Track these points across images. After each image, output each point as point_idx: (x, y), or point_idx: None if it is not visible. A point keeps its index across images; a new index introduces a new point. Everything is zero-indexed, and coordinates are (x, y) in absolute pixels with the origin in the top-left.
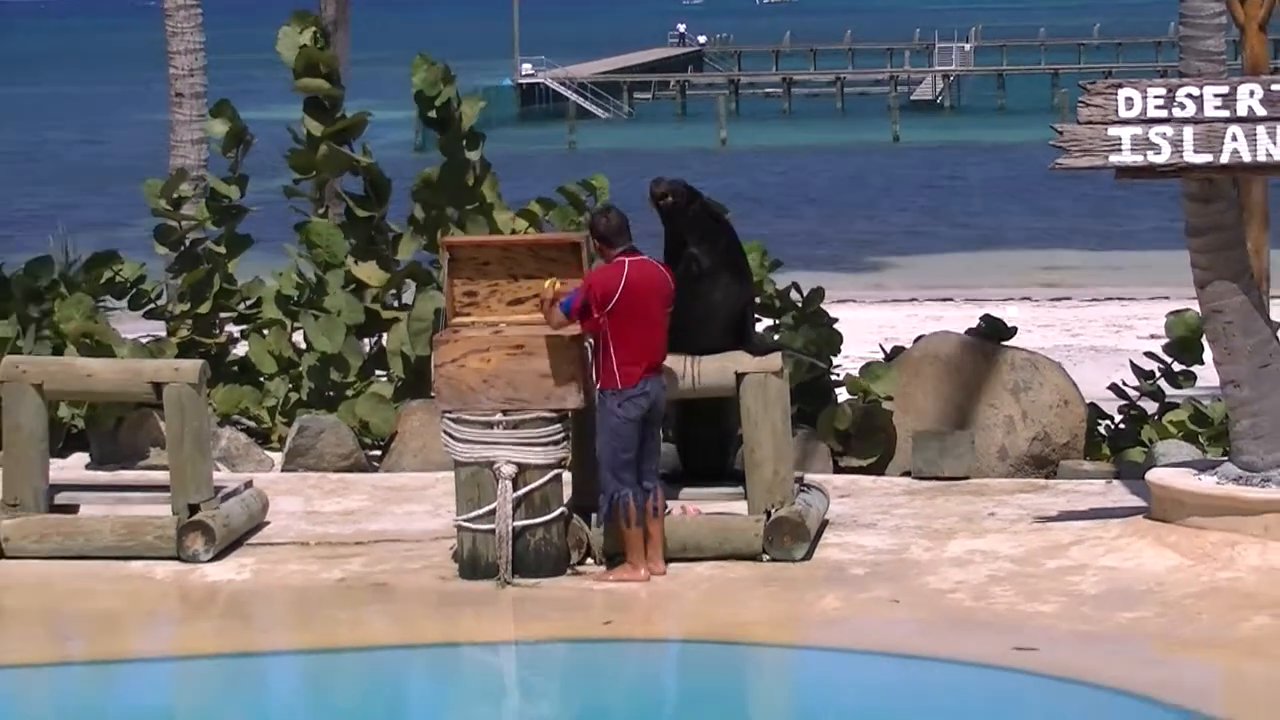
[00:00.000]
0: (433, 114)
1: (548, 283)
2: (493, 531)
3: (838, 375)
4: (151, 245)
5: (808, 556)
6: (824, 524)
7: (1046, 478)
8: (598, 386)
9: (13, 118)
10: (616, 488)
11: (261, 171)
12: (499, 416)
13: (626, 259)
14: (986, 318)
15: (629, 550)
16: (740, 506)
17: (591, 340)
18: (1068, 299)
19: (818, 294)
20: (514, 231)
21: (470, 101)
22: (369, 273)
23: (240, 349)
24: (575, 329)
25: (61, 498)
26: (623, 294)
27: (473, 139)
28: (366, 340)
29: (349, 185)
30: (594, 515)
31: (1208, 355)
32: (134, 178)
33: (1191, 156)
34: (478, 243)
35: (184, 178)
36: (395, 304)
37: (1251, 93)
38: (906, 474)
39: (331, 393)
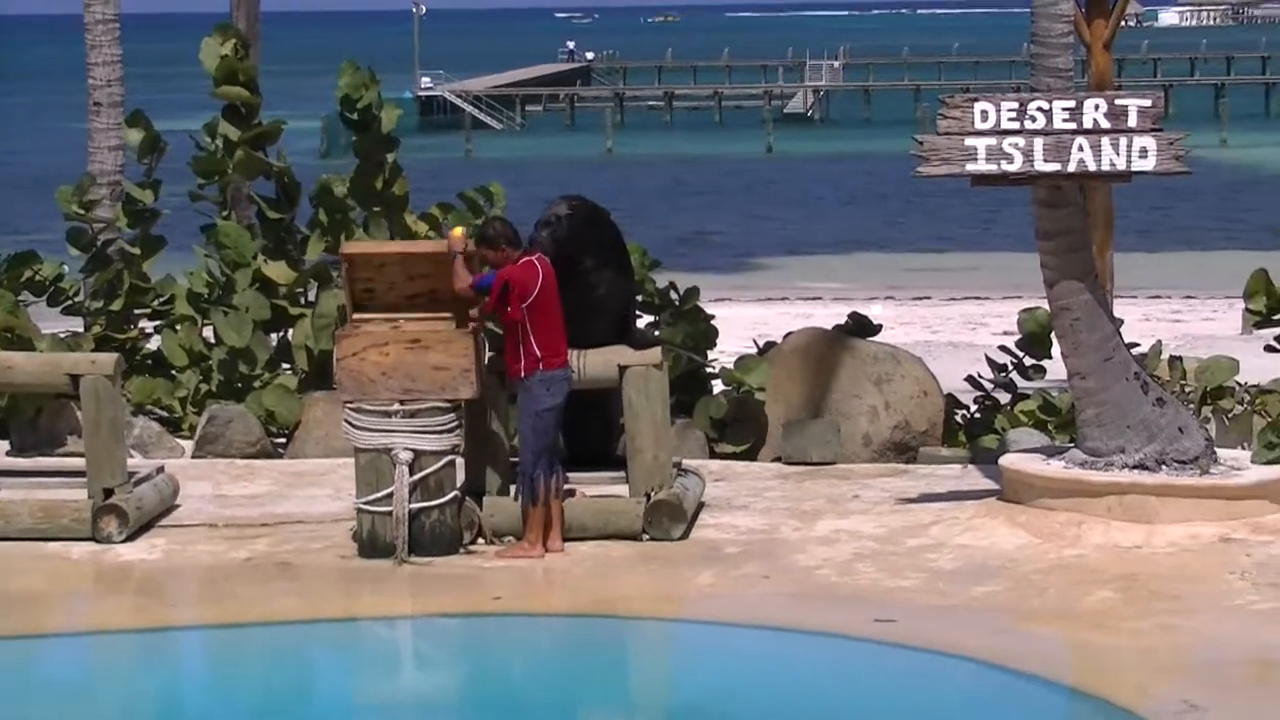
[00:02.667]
0: (354, 116)
1: (458, 230)
2: (390, 513)
3: (713, 368)
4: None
5: (685, 536)
6: (700, 506)
7: (907, 463)
8: (521, 374)
9: None
10: (537, 468)
11: (171, 177)
12: (396, 406)
13: (534, 258)
14: (853, 315)
15: (530, 528)
16: (622, 490)
17: (495, 331)
18: (928, 298)
19: (693, 292)
20: (416, 234)
21: (389, 108)
22: (279, 272)
23: (153, 343)
24: (470, 306)
25: None
26: (541, 289)
27: (389, 143)
28: (273, 335)
29: (259, 188)
30: (483, 498)
31: (1056, 350)
32: (54, 183)
33: (1041, 165)
34: (374, 252)
35: (93, 181)
36: (302, 301)
37: (1096, 106)
38: (777, 459)
39: (239, 384)
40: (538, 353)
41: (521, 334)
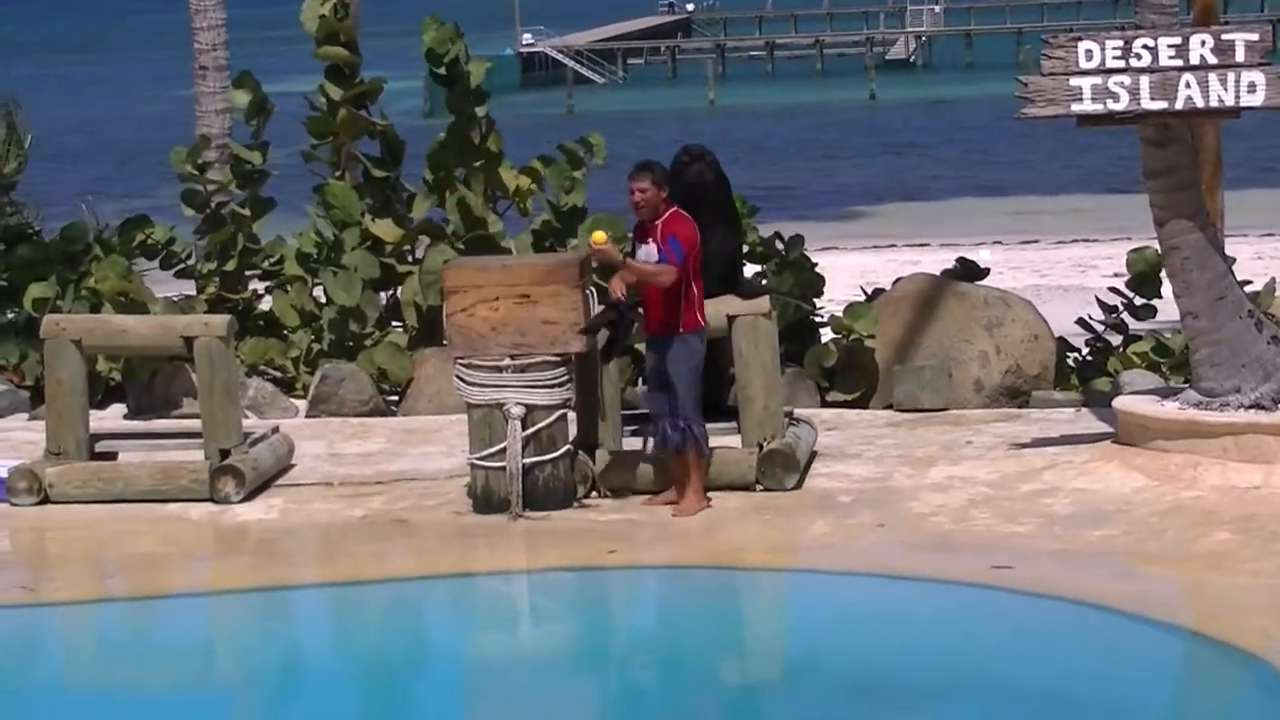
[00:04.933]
0: (441, 70)
1: (600, 234)
2: (504, 469)
3: (822, 316)
4: (180, 209)
5: (798, 486)
6: (812, 455)
7: (1019, 408)
8: (682, 329)
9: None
10: (696, 420)
11: (278, 139)
12: (507, 361)
13: (680, 210)
14: (961, 260)
15: (699, 479)
16: (734, 440)
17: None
18: (1036, 242)
19: (798, 241)
20: (518, 188)
21: (477, 61)
22: (385, 230)
23: (265, 304)
24: (668, 276)
25: (101, 446)
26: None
27: (479, 96)
28: (382, 293)
29: (365, 148)
30: (595, 452)
31: (1167, 290)
32: (162, 148)
33: (1148, 103)
34: (478, 271)
35: (208, 144)
36: (409, 259)
37: (1203, 42)
38: (888, 407)
39: (351, 343)
40: (696, 307)
41: (684, 289)
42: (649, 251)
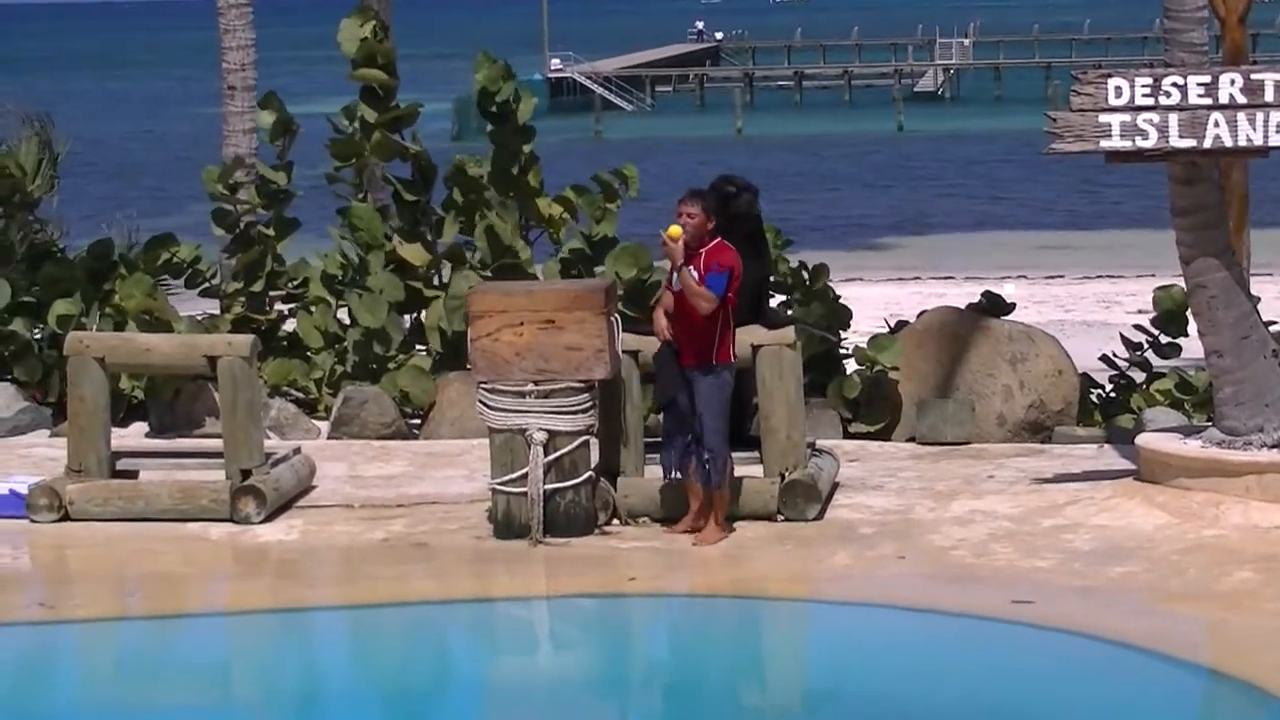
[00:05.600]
0: (493, 108)
1: (676, 229)
2: (525, 494)
3: (847, 348)
4: (208, 228)
5: (820, 516)
6: (835, 486)
7: (1042, 443)
8: (716, 361)
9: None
10: (723, 451)
11: (302, 160)
12: (531, 386)
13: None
14: (986, 293)
15: (722, 509)
16: (757, 470)
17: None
18: (1061, 277)
19: (822, 271)
20: (550, 217)
21: (526, 97)
22: (414, 253)
23: (289, 325)
24: (709, 303)
25: (123, 464)
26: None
27: (526, 133)
28: (406, 316)
29: (394, 170)
30: (618, 479)
31: (1192, 328)
32: (188, 167)
33: (1177, 141)
34: (503, 296)
35: (240, 164)
36: (436, 283)
37: (1232, 81)
38: (911, 439)
39: (374, 365)
40: (732, 340)
41: (722, 321)
42: (679, 280)
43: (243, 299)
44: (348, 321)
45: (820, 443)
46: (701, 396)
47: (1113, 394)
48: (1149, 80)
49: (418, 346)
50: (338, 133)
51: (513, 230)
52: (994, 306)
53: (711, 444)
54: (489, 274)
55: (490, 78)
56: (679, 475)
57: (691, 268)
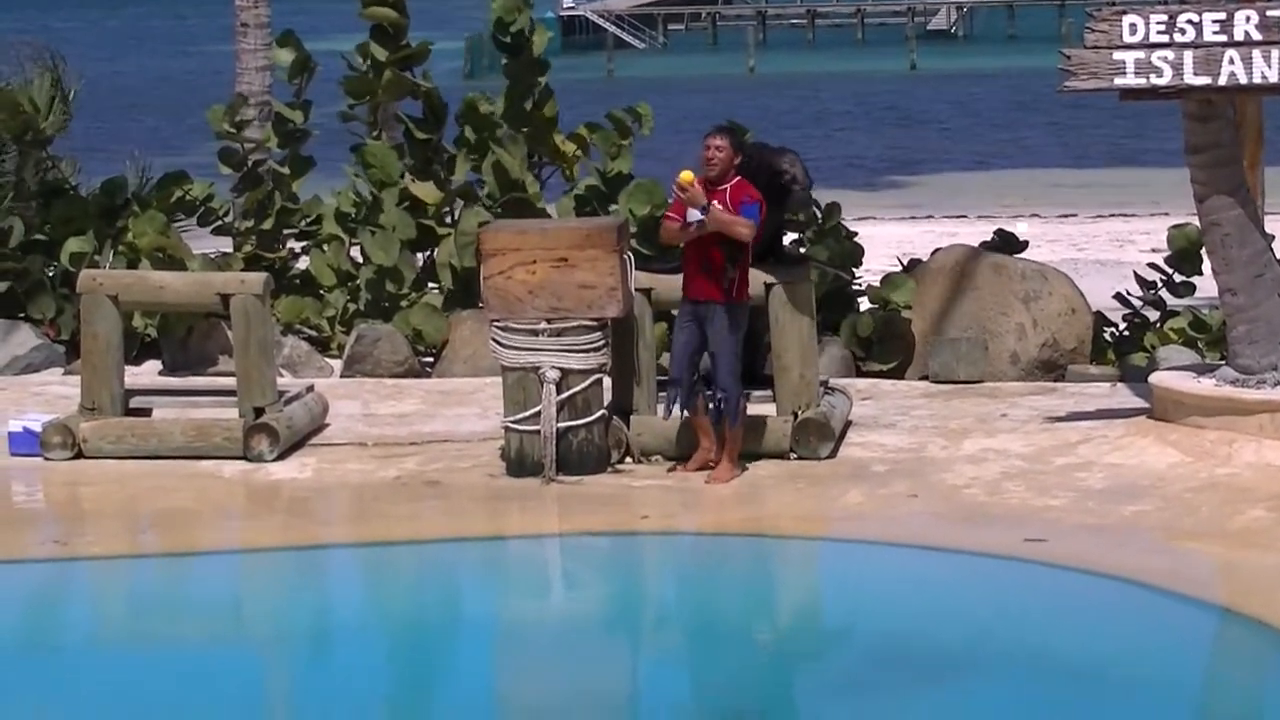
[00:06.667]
0: (507, 39)
1: (688, 173)
2: (538, 432)
3: (859, 286)
4: (216, 167)
5: (832, 455)
6: (847, 425)
7: (1055, 381)
8: (735, 298)
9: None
10: (737, 389)
11: (316, 98)
12: (543, 325)
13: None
14: (999, 232)
15: (734, 447)
16: (769, 408)
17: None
18: (1074, 215)
19: (834, 209)
20: (563, 154)
21: (540, 31)
22: (426, 191)
23: (302, 263)
24: (749, 230)
25: (136, 402)
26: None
27: (540, 66)
28: (419, 254)
29: (406, 109)
30: (631, 416)
31: (1206, 266)
32: (199, 105)
33: (1191, 79)
34: (516, 234)
35: (244, 102)
36: (448, 220)
37: (1247, 18)
38: (924, 378)
39: (387, 303)
40: (747, 276)
41: (744, 258)
42: (698, 213)
43: (254, 237)
44: (360, 260)
45: (833, 381)
46: (716, 334)
47: (1126, 332)
48: (1164, 17)
49: (430, 284)
50: (352, 70)
51: (520, 165)
52: (1007, 245)
53: (725, 383)
54: (498, 209)
55: (506, 8)
56: (686, 413)
57: (715, 203)
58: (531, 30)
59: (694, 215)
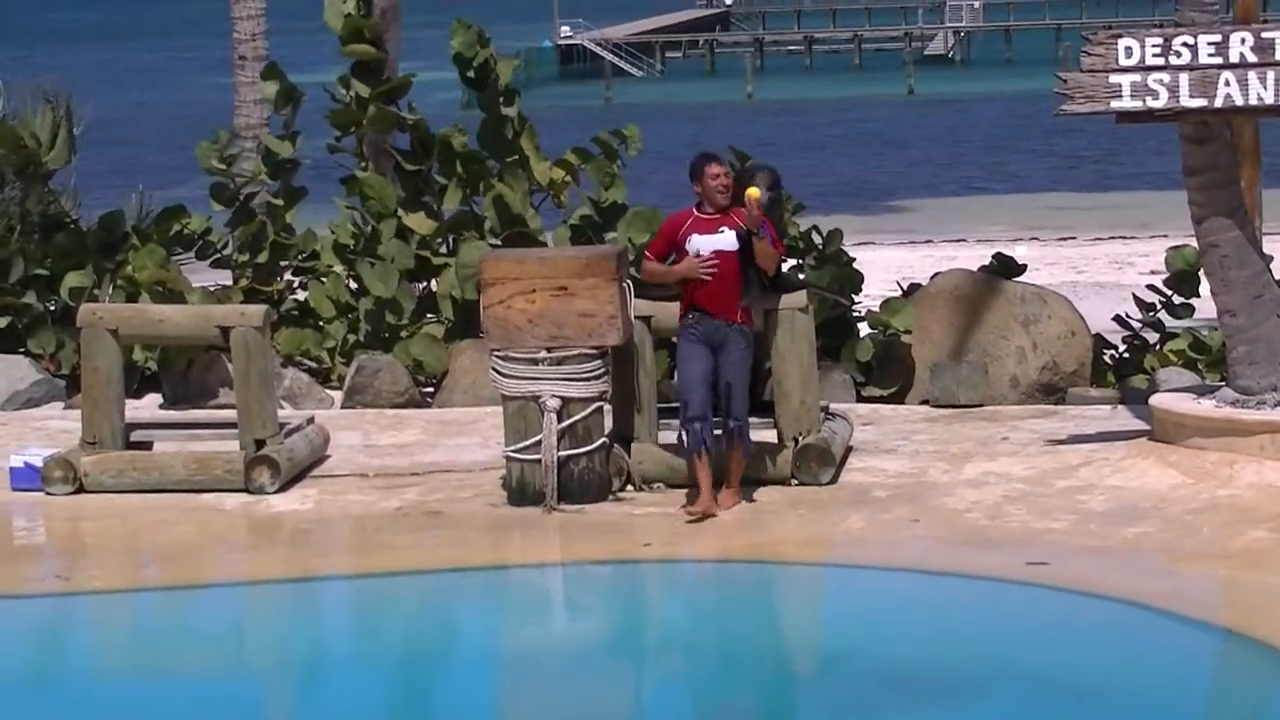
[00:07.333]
0: (470, 74)
1: (755, 191)
2: (539, 461)
3: (859, 311)
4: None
5: (833, 480)
6: (848, 450)
7: (1055, 404)
8: (745, 324)
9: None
10: (745, 418)
11: (307, 130)
12: (544, 353)
13: None
14: (998, 255)
15: (738, 475)
16: (770, 435)
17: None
18: (1073, 238)
19: (836, 235)
20: (552, 181)
21: (505, 61)
22: (418, 222)
23: (301, 294)
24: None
25: (137, 435)
26: None
27: (508, 96)
28: (418, 285)
29: (396, 141)
30: (632, 444)
31: (1205, 288)
32: (199, 137)
33: (1187, 101)
34: (515, 263)
35: (232, 137)
36: (443, 251)
37: (1242, 40)
38: (925, 402)
39: (386, 334)
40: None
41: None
42: (713, 242)
43: (249, 271)
44: (360, 291)
45: (833, 406)
46: (729, 361)
47: (1126, 354)
48: (1159, 40)
49: (429, 315)
50: (335, 102)
51: (522, 199)
52: (1006, 268)
53: (738, 411)
54: (499, 243)
55: (465, 44)
56: (708, 450)
57: (724, 230)
58: (495, 62)
59: (698, 245)
